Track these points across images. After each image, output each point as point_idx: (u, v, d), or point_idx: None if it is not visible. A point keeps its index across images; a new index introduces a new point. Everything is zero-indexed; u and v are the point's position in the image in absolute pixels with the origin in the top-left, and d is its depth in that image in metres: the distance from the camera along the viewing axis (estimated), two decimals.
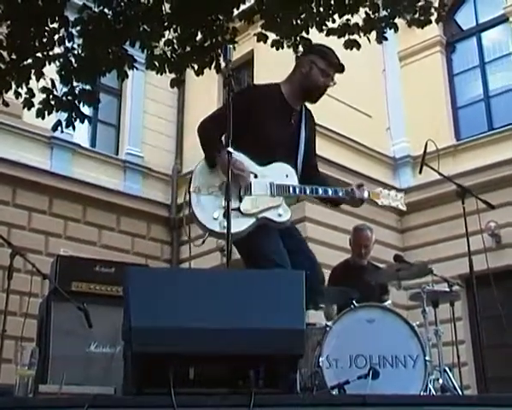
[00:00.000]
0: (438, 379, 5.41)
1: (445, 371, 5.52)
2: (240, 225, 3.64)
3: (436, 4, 7.22)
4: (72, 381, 4.89)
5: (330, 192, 3.92)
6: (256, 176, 3.75)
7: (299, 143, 3.90)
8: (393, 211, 12.76)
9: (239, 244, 3.76)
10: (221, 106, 4.14)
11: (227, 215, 3.48)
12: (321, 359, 4.72)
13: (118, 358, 4.98)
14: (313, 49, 4.21)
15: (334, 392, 4.38)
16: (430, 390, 4.94)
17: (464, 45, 13.76)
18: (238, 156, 3.69)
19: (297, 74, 4.03)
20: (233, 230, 3.52)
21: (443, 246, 11.56)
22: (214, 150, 3.73)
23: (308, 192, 3.84)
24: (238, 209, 3.66)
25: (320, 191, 3.87)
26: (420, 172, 5.68)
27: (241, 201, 3.70)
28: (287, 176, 3.79)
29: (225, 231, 3.49)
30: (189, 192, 3.74)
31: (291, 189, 3.77)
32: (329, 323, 5.00)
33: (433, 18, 7.22)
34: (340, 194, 3.94)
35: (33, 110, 7.19)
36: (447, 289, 6.29)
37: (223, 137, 3.79)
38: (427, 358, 4.85)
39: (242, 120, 3.68)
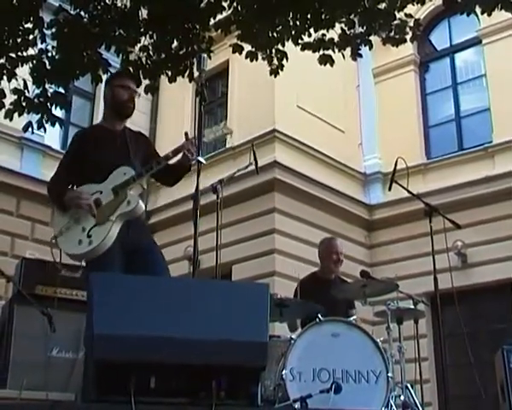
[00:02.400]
0: (400, 396, 5.42)
1: (406, 387, 5.54)
2: (101, 235, 3.97)
3: (411, 23, 7.27)
4: (32, 386, 4.84)
5: (160, 161, 4.23)
6: (101, 192, 4.12)
7: (128, 151, 4.28)
8: (362, 226, 12.88)
9: (87, 266, 4.16)
10: (61, 159, 4.51)
11: (194, 221, 3.53)
12: (284, 371, 4.70)
13: (80, 364, 4.93)
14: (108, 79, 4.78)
15: (297, 405, 4.37)
16: (391, 407, 4.94)
17: (438, 65, 13.92)
18: (80, 189, 4.16)
19: (107, 104, 4.52)
20: (97, 242, 3.94)
21: (410, 263, 11.62)
22: (61, 199, 4.15)
23: (144, 173, 4.16)
24: (95, 225, 4.02)
25: (153, 167, 4.16)
26: (389, 189, 5.72)
27: (95, 217, 4.04)
28: (125, 174, 4.13)
29: (92, 246, 3.93)
30: (55, 239, 4.08)
31: (130, 180, 4.11)
32: (294, 336, 4.99)
33: (407, 37, 7.27)
34: (170, 156, 4.22)
35: (3, 111, 7.11)
36: (412, 307, 6.33)
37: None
38: (389, 374, 4.85)
39: (79, 159, 4.24)
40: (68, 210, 4.12)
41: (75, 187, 4.26)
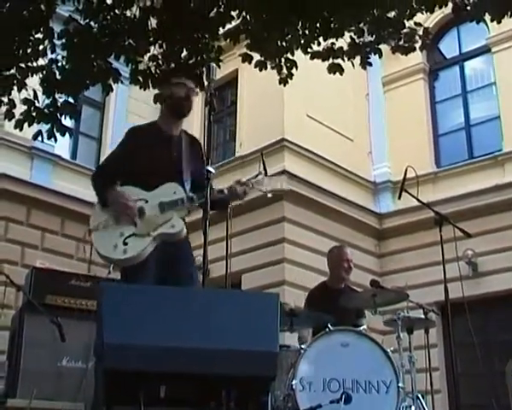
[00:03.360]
0: (410, 406, 5.37)
1: (417, 398, 5.49)
2: (137, 247, 3.91)
3: (420, 32, 7.26)
4: (42, 396, 4.85)
5: (215, 193, 4.14)
6: (147, 201, 4.03)
7: (182, 164, 4.20)
8: (372, 235, 12.85)
9: (122, 273, 4.06)
10: (112, 150, 4.44)
11: (204, 230, 3.54)
12: (294, 381, 4.69)
13: (90, 373, 4.94)
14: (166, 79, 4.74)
15: None
16: None
17: (447, 73, 13.91)
18: (126, 189, 4.08)
19: (164, 103, 4.44)
20: (131, 253, 3.88)
21: (420, 272, 11.60)
22: (105, 193, 4.08)
23: (195, 199, 4.05)
24: (134, 234, 3.94)
25: (205, 196, 4.01)
26: (399, 197, 5.72)
27: (136, 226, 3.97)
28: (174, 193, 4.05)
29: (126, 256, 3.87)
30: (90, 231, 4.01)
31: (179, 202, 4.03)
32: (304, 346, 4.97)
33: (417, 45, 7.26)
34: (225, 191, 4.18)
35: (13, 121, 7.13)
36: (422, 316, 6.29)
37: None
38: (400, 384, 4.83)
39: (129, 158, 4.15)
40: (110, 207, 4.03)
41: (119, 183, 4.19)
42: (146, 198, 4.03)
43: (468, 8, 6.61)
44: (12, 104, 7.17)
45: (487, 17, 6.68)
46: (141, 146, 4.16)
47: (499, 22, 6.54)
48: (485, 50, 13.13)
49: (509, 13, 6.35)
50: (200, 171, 4.27)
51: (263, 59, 7.19)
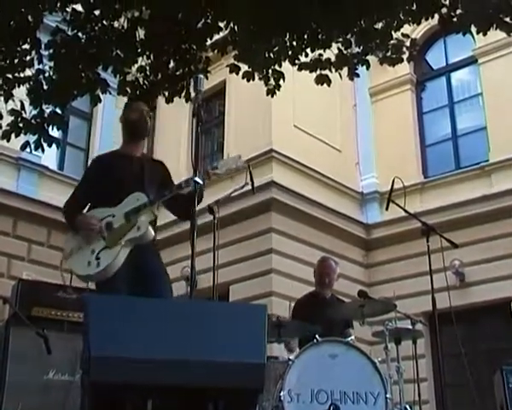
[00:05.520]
0: None
1: (405, 408, 5.49)
2: (109, 258, 4.06)
3: (408, 43, 7.31)
4: (28, 409, 4.80)
5: (172, 190, 4.26)
6: (114, 215, 4.20)
7: (143, 175, 4.34)
8: (359, 246, 12.85)
9: (99, 287, 4.19)
10: (78, 182, 4.66)
11: (191, 241, 3.53)
12: (282, 393, 4.67)
13: (77, 386, 4.90)
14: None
15: None
16: None
17: (434, 84, 13.97)
18: (93, 212, 4.29)
19: (122, 130, 4.62)
20: (104, 264, 4.04)
21: (408, 283, 11.60)
22: (74, 220, 4.30)
23: (156, 200, 4.21)
24: (104, 248, 4.11)
25: (165, 194, 4.22)
26: (386, 208, 5.72)
27: (105, 240, 4.14)
28: (137, 200, 4.19)
29: (99, 268, 4.03)
30: (64, 259, 4.25)
31: (141, 206, 4.16)
32: (292, 357, 4.96)
33: (404, 56, 7.30)
34: (182, 185, 4.21)
35: (0, 132, 7.10)
36: (410, 327, 6.29)
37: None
38: (388, 395, 4.82)
39: (95, 185, 4.35)
40: (80, 232, 4.23)
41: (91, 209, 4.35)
42: (113, 213, 4.20)
43: (455, 19, 6.65)
44: None
45: (473, 29, 6.72)
46: (104, 171, 4.35)
47: (485, 34, 6.59)
48: (471, 61, 13.21)
49: (495, 25, 6.40)
50: (167, 183, 4.42)
51: (250, 70, 7.20)
